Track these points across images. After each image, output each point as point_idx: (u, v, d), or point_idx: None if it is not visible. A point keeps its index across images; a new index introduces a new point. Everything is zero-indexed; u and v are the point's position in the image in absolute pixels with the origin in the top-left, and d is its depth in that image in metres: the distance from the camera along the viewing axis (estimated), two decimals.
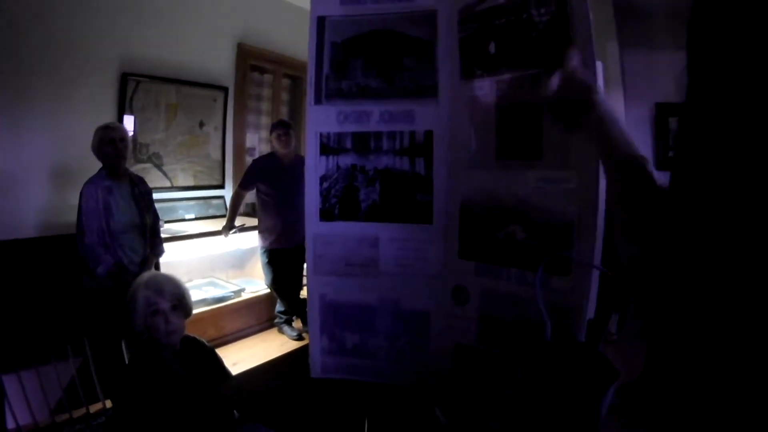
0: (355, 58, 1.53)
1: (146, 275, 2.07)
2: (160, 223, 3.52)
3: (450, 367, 1.47)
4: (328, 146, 1.53)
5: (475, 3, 1.42)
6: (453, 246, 1.46)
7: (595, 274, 1.25)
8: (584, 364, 1.12)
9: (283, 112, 5.56)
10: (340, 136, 1.52)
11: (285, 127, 4.18)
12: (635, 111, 5.04)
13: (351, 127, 1.51)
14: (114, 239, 3.01)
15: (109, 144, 2.95)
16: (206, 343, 2.15)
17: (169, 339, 1.92)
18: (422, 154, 1.46)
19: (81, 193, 2.95)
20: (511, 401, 1.13)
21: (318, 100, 1.53)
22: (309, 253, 1.56)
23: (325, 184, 1.52)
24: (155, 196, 3.41)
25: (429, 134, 1.46)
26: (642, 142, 4.98)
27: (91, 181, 2.98)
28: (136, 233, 3.14)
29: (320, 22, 1.54)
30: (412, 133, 1.47)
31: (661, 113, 5.10)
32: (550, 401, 1.07)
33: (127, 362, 2.78)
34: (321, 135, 1.53)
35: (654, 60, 4.97)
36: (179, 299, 1.97)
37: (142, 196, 3.21)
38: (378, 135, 1.50)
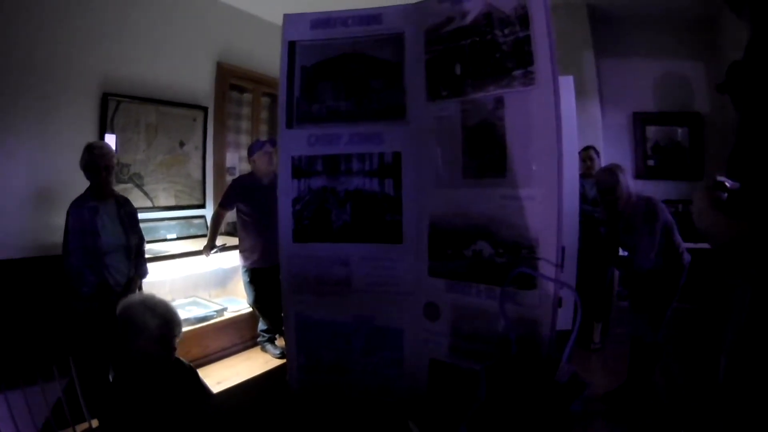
0: (324, 81, 1.56)
1: (157, 311, 1.89)
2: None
3: (424, 381, 1.50)
4: (300, 169, 1.56)
5: (441, 24, 1.47)
6: (423, 264, 1.49)
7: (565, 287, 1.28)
8: (549, 377, 1.15)
9: (263, 131, 5.55)
10: (311, 159, 1.55)
11: (273, 145, 4.17)
12: (612, 120, 5.10)
13: (321, 150, 1.55)
14: (99, 260, 2.98)
15: (94, 170, 2.94)
16: (185, 363, 2.14)
17: None
18: (391, 176, 1.50)
19: (67, 214, 2.92)
20: (479, 413, 1.15)
21: (289, 124, 1.57)
22: (284, 273, 1.59)
23: (298, 206, 1.55)
24: None
25: (397, 156, 1.50)
26: (619, 151, 5.02)
27: (76, 202, 2.94)
28: (121, 254, 3.11)
29: (291, 47, 1.58)
30: (381, 155, 1.51)
31: (638, 122, 5.16)
32: (516, 413, 1.10)
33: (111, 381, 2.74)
34: (293, 159, 1.56)
35: (630, 69, 5.05)
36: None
37: (127, 216, 3.18)
38: (348, 157, 1.53)
